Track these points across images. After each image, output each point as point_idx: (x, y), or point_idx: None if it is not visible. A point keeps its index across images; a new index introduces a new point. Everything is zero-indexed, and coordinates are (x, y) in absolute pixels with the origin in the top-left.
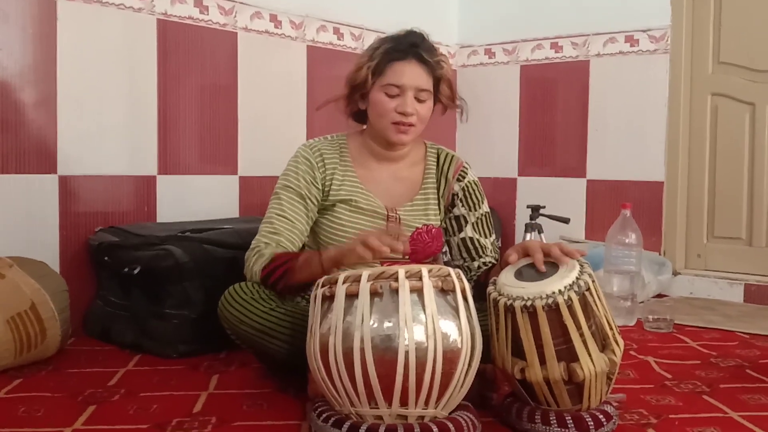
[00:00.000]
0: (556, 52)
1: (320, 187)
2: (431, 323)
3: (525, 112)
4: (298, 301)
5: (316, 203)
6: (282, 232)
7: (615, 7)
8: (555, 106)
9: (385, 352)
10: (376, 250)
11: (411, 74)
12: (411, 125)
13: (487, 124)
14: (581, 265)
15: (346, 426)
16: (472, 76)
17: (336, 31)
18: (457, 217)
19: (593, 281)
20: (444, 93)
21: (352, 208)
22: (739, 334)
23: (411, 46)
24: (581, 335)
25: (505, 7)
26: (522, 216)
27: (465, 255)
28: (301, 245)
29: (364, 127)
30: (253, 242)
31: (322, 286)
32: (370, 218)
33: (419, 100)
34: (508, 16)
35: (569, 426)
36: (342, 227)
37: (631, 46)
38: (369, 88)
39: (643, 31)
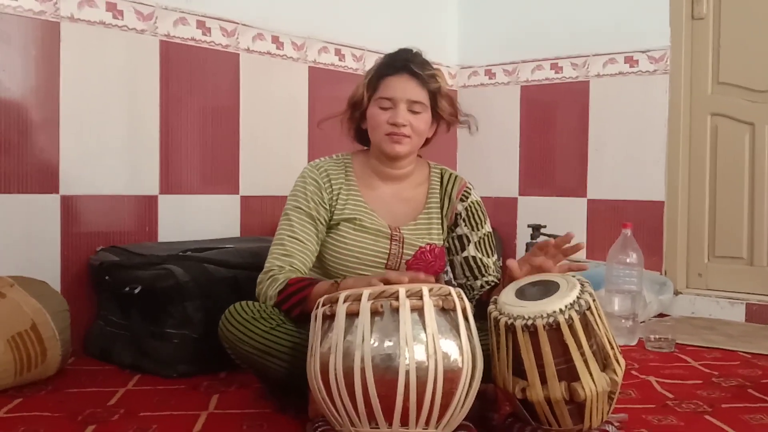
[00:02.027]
0: (556, 72)
1: (327, 208)
2: (432, 342)
3: (525, 132)
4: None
5: (324, 224)
6: (294, 254)
7: (614, 28)
8: (555, 126)
9: (386, 371)
10: None
11: (402, 87)
12: (404, 135)
13: (487, 144)
14: (582, 285)
15: None
16: (473, 96)
17: (337, 52)
18: (459, 237)
19: (594, 300)
20: (444, 109)
21: (356, 227)
22: (741, 354)
23: (402, 61)
24: (582, 354)
25: (505, 28)
26: (523, 235)
27: (468, 274)
28: (311, 266)
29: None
30: (266, 264)
31: (323, 305)
32: (373, 237)
33: (413, 112)
34: (508, 37)
35: None
36: (345, 246)
37: (631, 66)
38: (366, 105)
39: (643, 51)
